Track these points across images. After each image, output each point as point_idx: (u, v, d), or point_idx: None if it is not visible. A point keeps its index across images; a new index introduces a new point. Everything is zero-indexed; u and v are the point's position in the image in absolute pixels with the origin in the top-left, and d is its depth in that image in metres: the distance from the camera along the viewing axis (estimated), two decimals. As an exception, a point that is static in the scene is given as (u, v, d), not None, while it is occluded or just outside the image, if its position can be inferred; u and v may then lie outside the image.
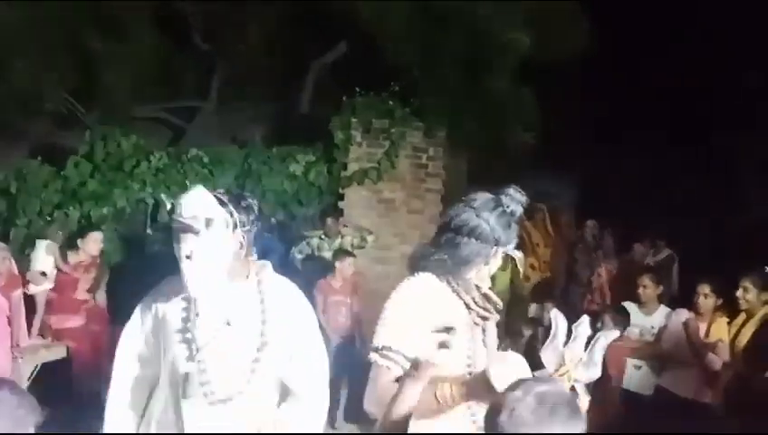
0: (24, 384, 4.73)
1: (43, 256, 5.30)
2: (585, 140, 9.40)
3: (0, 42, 7.06)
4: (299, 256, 6.16)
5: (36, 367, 4.90)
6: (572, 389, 1.80)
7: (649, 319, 4.46)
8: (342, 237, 6.21)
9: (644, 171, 9.54)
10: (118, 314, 5.25)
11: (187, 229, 1.95)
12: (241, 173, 6.89)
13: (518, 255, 2.08)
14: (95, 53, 7.49)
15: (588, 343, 1.86)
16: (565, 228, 7.92)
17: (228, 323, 2.02)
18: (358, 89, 6.74)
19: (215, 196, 2.00)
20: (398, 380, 1.74)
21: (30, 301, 5.12)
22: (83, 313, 5.26)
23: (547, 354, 1.88)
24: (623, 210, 8.42)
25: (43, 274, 5.18)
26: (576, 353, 1.84)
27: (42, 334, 5.14)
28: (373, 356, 1.83)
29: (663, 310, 4.47)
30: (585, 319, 1.89)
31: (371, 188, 6.72)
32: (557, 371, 1.84)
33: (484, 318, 2.03)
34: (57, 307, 5.19)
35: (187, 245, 1.96)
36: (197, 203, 1.98)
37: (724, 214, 8.65)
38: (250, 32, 8.18)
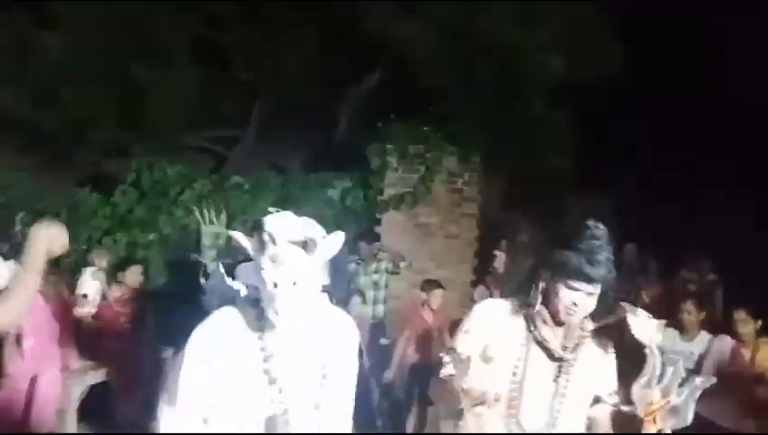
0: (75, 406, 4.90)
1: (89, 281, 5.51)
2: (625, 162, 9.31)
3: (49, 72, 7.41)
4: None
5: (85, 389, 5.06)
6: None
7: (689, 345, 4.36)
8: (378, 262, 6.28)
9: (687, 194, 9.38)
10: (160, 340, 5.41)
11: (301, 248, 1.76)
12: (279, 199, 7.05)
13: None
14: (141, 83, 7.78)
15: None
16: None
17: (303, 362, 1.88)
18: (393, 115, 6.86)
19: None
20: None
21: (76, 324, 5.30)
22: (124, 338, 5.41)
23: (637, 391, 1.87)
24: (666, 234, 8.28)
25: (85, 296, 5.36)
26: (667, 396, 1.82)
27: (86, 357, 5.30)
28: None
29: (704, 336, 4.36)
30: (680, 361, 1.88)
31: (407, 213, 6.79)
32: (645, 410, 1.83)
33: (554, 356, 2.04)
34: (102, 331, 5.36)
35: (294, 269, 1.76)
36: (311, 225, 1.83)
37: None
38: (288, 61, 8.40)
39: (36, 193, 7.00)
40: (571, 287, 1.98)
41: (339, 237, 1.87)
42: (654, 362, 1.90)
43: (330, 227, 6.52)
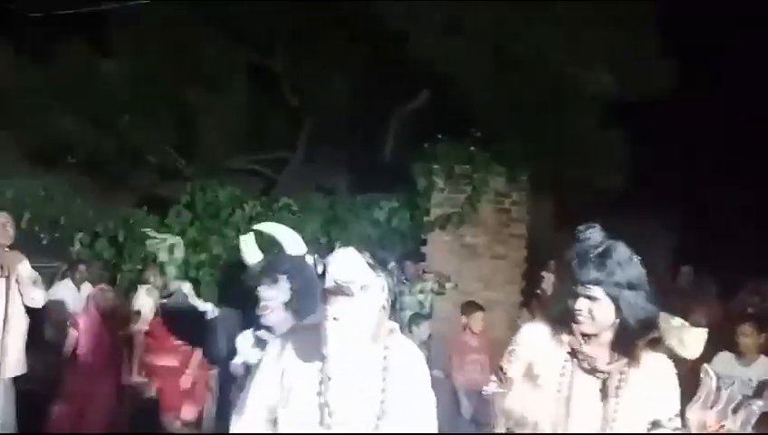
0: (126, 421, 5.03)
1: (143, 298, 5.66)
2: (683, 180, 9.05)
3: (107, 99, 7.73)
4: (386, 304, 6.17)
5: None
6: None
7: (747, 370, 4.17)
8: (423, 282, 6.23)
9: (746, 212, 9.04)
10: (212, 357, 5.50)
11: (342, 292, 1.87)
12: (327, 220, 7.12)
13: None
14: (194, 108, 8.04)
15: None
16: (662, 275, 7.57)
17: (360, 390, 1.94)
18: (439, 135, 6.86)
19: (367, 261, 1.93)
20: None
21: (129, 340, 5.46)
22: (178, 355, 5.52)
23: (692, 414, 1.81)
24: (725, 255, 7.98)
25: (138, 312, 5.51)
26: (722, 420, 1.77)
27: (139, 373, 5.44)
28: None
29: (764, 360, 4.17)
30: (735, 384, 1.82)
31: (454, 234, 6.75)
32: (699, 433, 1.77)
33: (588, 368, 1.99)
34: (153, 347, 5.49)
35: (336, 307, 1.87)
36: (353, 267, 1.90)
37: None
38: (335, 84, 8.55)
39: (94, 214, 7.27)
40: (574, 294, 1.93)
41: (380, 282, 1.92)
42: (710, 383, 1.82)
43: (376, 247, 6.57)
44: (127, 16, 7.85)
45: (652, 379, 1.97)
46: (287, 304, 2.67)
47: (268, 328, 2.72)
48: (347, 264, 1.90)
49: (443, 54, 7.35)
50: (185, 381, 5.41)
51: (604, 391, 1.97)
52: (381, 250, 6.29)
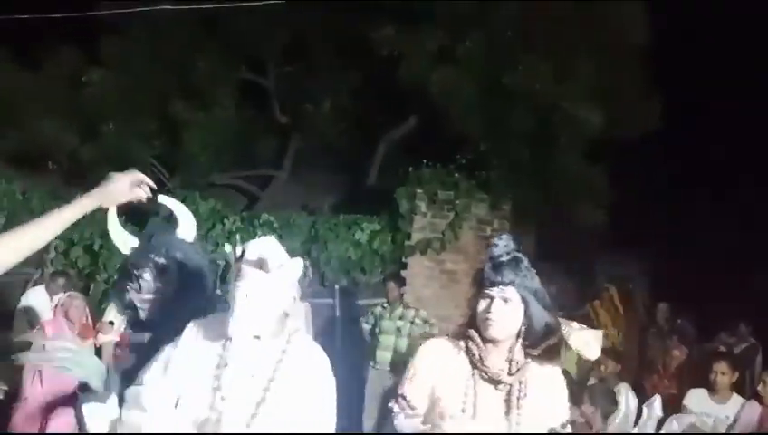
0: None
1: (115, 309, 5.54)
2: (661, 218, 9.14)
3: (92, 107, 7.67)
4: (366, 327, 6.06)
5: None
6: None
7: (723, 408, 4.17)
8: (405, 308, 6.07)
9: (725, 252, 9.12)
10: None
11: (260, 266, 1.95)
12: (308, 238, 7.07)
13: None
14: (180, 121, 7.99)
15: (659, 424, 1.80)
16: (637, 311, 7.60)
17: (252, 376, 2.01)
18: (425, 160, 6.88)
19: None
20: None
21: (97, 351, 5.33)
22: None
23: (614, 429, 1.84)
24: (702, 294, 8.03)
25: (111, 323, 5.39)
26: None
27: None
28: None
29: (737, 399, 4.18)
30: (657, 399, 1.84)
31: (434, 259, 6.74)
32: None
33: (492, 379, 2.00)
34: (122, 359, 5.36)
35: (250, 283, 1.95)
36: (270, 247, 2.02)
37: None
38: (325, 105, 8.56)
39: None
40: (484, 296, 1.99)
41: (298, 263, 2.06)
42: (626, 400, 1.84)
43: (356, 268, 6.51)
44: (116, 24, 7.84)
45: (547, 388, 2.05)
46: (168, 296, 2.42)
47: (141, 322, 2.46)
48: (268, 244, 2.03)
49: (433, 82, 7.40)
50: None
51: (508, 403, 1.99)
52: (361, 272, 6.18)
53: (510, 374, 1.98)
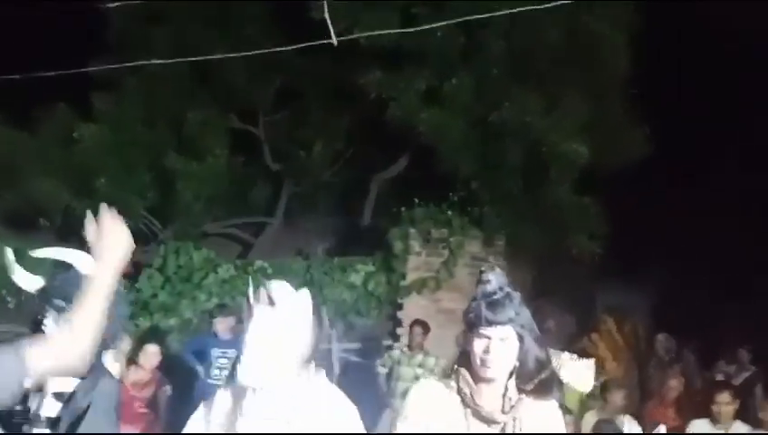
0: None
1: (109, 364, 5.45)
2: (659, 248, 9.10)
3: (87, 161, 7.70)
4: (382, 371, 5.90)
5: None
6: None
7: (725, 435, 4.09)
8: (426, 356, 5.87)
9: (724, 281, 9.06)
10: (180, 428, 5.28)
11: (268, 302, 1.90)
12: (303, 283, 6.99)
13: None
14: (173, 173, 8.03)
15: None
16: (636, 342, 7.51)
17: (270, 419, 1.94)
18: (417, 200, 6.89)
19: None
20: None
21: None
22: (141, 424, 5.30)
23: None
24: (703, 323, 7.94)
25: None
26: None
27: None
28: None
29: (739, 427, 4.11)
30: (662, 428, 1.79)
31: (430, 298, 6.70)
32: None
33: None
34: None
35: (257, 322, 1.90)
36: (278, 285, 1.97)
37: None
38: (315, 150, 8.63)
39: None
40: (480, 336, 1.92)
41: (305, 293, 2.00)
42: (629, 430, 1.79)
43: (351, 311, 6.43)
44: (108, 79, 7.95)
45: (543, 424, 1.98)
46: None
47: None
48: (276, 283, 1.98)
49: (421, 121, 7.47)
50: (147, 453, 5.19)
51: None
52: (356, 314, 6.12)
53: (504, 412, 1.95)
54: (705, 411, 4.21)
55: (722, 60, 8.51)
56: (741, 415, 4.22)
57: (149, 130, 8.14)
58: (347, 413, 2.04)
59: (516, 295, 1.96)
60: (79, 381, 2.27)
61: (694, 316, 8.15)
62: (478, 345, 1.92)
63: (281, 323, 1.90)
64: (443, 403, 1.99)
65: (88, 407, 2.26)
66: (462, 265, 6.76)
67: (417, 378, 5.73)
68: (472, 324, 1.94)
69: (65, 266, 2.32)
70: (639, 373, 7.15)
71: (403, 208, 6.95)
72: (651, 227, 9.10)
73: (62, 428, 2.24)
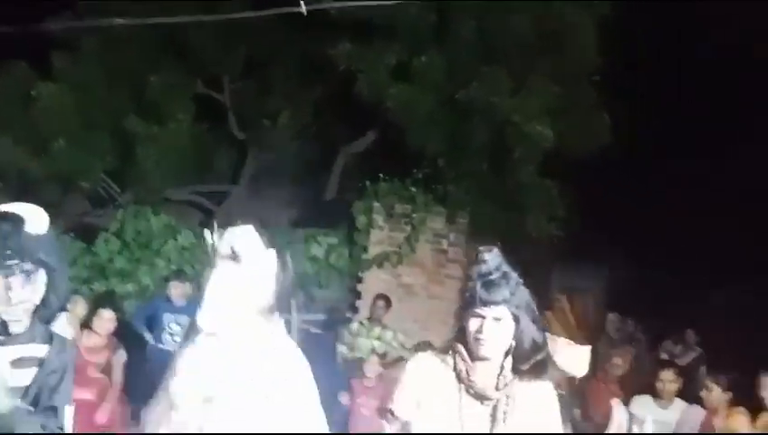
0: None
1: (63, 327, 5.36)
2: (616, 233, 9.32)
3: (46, 123, 7.48)
4: (343, 349, 5.91)
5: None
6: None
7: (666, 413, 4.27)
8: (383, 329, 5.93)
9: (681, 265, 9.33)
10: (134, 393, 5.25)
11: (229, 258, 1.91)
12: (265, 253, 6.98)
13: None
14: (134, 136, 7.86)
15: None
16: (589, 321, 7.72)
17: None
18: (382, 175, 6.90)
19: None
20: None
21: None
22: (94, 389, 5.25)
23: None
24: (657, 306, 8.19)
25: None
26: None
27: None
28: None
29: (679, 404, 4.30)
30: (648, 418, 1.85)
31: (391, 272, 6.75)
32: None
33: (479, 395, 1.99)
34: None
35: (220, 274, 1.92)
36: (245, 237, 1.98)
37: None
38: (282, 120, 8.53)
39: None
40: (475, 315, 1.96)
41: (271, 254, 2.03)
42: (619, 416, 1.85)
43: (312, 283, 6.43)
44: (69, 38, 7.70)
45: (536, 405, 2.01)
46: (38, 306, 2.16)
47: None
48: (243, 234, 2.00)
49: (390, 96, 7.44)
50: (101, 416, 5.15)
51: (493, 418, 1.98)
52: (317, 287, 6.09)
53: (497, 390, 1.98)
54: (648, 388, 4.38)
55: (699, 52, 8.67)
56: (683, 394, 4.40)
57: (111, 91, 7.92)
58: (298, 365, 2.05)
59: (514, 276, 1.97)
60: (31, 345, 2.21)
61: (645, 299, 8.41)
62: (473, 324, 1.95)
63: (243, 272, 1.93)
64: (438, 377, 2.03)
65: (42, 372, 2.19)
66: (424, 241, 6.82)
67: (373, 350, 5.81)
68: (467, 303, 1.97)
69: (14, 222, 2.22)
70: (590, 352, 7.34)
71: (368, 182, 6.95)
72: (610, 212, 9.31)
73: (17, 393, 2.17)
